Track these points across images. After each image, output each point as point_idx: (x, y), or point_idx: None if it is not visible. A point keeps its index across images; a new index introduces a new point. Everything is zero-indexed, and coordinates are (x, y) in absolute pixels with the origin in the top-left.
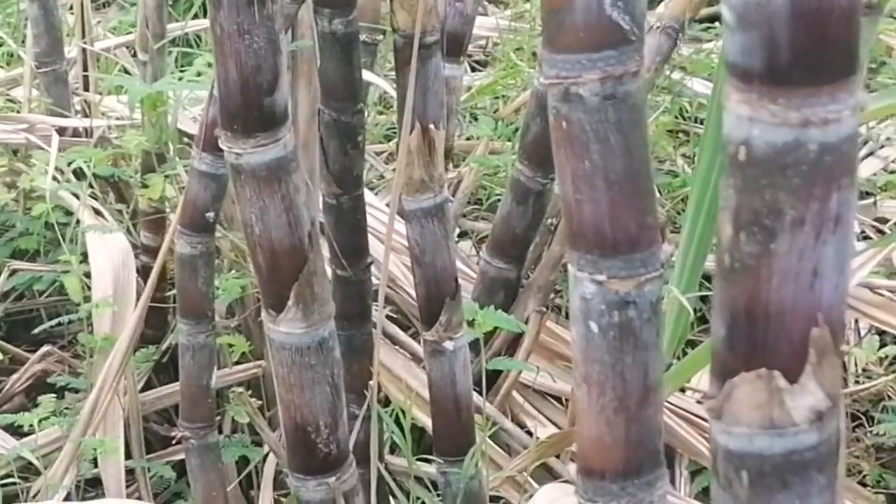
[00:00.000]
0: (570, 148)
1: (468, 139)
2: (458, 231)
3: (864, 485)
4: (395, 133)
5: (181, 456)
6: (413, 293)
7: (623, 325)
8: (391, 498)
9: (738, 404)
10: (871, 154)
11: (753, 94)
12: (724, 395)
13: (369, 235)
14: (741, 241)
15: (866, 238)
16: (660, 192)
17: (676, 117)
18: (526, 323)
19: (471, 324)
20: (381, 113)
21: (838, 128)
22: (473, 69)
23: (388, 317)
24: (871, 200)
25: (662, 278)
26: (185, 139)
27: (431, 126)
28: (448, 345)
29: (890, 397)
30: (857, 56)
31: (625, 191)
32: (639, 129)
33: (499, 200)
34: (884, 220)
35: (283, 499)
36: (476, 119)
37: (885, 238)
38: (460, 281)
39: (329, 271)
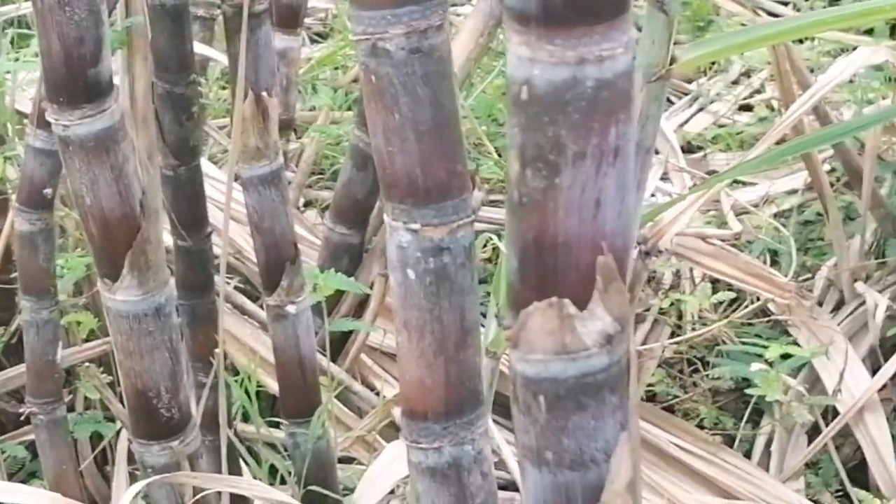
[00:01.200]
0: (380, 101)
1: (310, 110)
2: (302, 201)
3: (703, 427)
4: None
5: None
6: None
7: (439, 271)
8: (242, 463)
9: (533, 332)
10: (701, 109)
11: (532, 36)
12: (520, 325)
13: (211, 206)
14: (528, 177)
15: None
16: (499, 154)
17: None
18: (371, 287)
19: (315, 288)
20: (222, 88)
21: (613, 64)
22: (313, 41)
23: (234, 287)
24: (701, 154)
25: (474, 224)
26: (24, 120)
27: (264, 94)
28: (290, 308)
29: (724, 342)
30: None
31: (434, 141)
32: (446, 80)
33: None
34: (713, 173)
35: (137, 472)
36: (316, 90)
37: (707, 182)
38: (306, 249)
39: (170, 242)
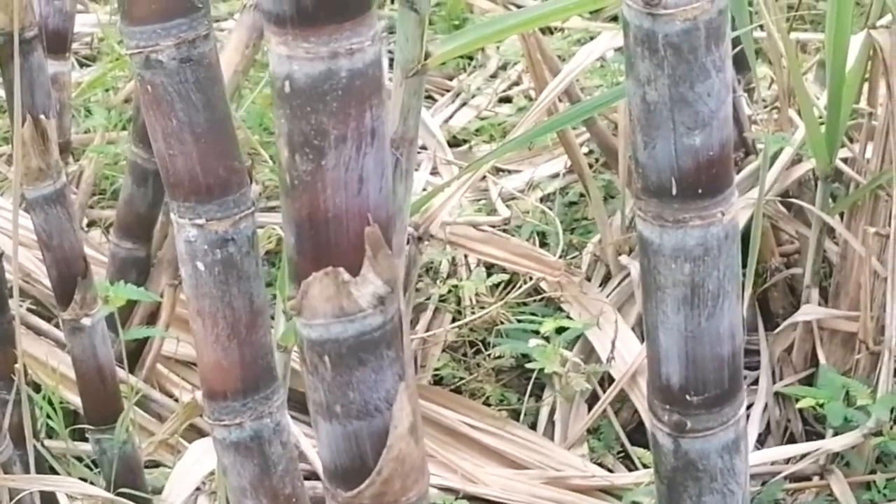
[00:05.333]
0: (157, 109)
1: (85, 132)
2: (86, 221)
3: (489, 404)
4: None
5: None
6: (49, 284)
7: (225, 261)
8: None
9: (314, 299)
10: (464, 104)
11: (289, 36)
12: (301, 294)
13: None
14: (297, 162)
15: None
16: (273, 161)
17: None
18: (162, 296)
19: (107, 300)
20: None
21: (363, 56)
22: (82, 65)
23: (28, 309)
24: (467, 147)
25: (255, 214)
26: None
27: (42, 116)
28: (86, 321)
29: (502, 322)
30: None
31: (210, 141)
32: (217, 85)
33: None
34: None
35: None
36: (90, 112)
37: (469, 166)
38: (94, 267)
39: None
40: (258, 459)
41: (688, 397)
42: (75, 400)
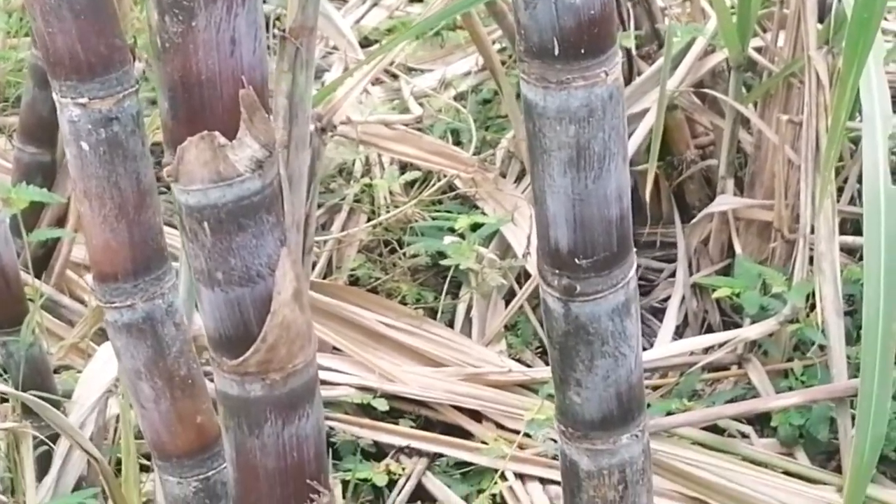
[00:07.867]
0: None
1: None
2: None
3: (406, 304)
4: None
5: None
6: None
7: (111, 140)
8: None
9: (190, 165)
10: (375, 5)
11: None
12: (178, 159)
13: None
14: (167, 24)
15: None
16: None
17: None
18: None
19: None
20: None
21: None
22: None
23: None
24: (378, 46)
25: (139, 93)
26: None
27: None
28: None
29: (417, 220)
30: None
31: (90, 18)
32: None
33: None
34: (392, 64)
35: None
36: None
37: (371, 55)
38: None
39: None
40: (151, 341)
41: (577, 261)
42: None
